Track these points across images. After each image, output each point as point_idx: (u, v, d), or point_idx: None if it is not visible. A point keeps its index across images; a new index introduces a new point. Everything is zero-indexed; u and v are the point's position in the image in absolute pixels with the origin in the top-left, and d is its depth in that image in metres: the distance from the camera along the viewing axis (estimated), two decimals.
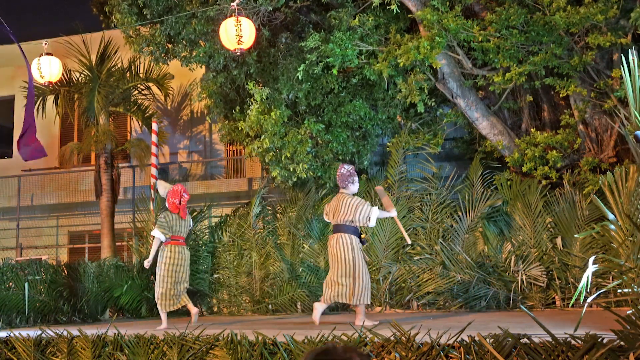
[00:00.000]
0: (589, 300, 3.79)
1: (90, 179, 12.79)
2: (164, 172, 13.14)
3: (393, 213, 6.16)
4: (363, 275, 5.89)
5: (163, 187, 7.47)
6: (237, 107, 9.66)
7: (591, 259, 3.86)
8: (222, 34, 7.32)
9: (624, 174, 3.86)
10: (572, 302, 5.01)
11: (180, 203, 7.19)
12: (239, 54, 7.38)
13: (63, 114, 12.64)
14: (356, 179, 6.17)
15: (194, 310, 7.06)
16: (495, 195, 7.95)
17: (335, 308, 8.59)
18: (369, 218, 5.91)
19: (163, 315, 7.01)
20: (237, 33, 7.12)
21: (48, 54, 8.45)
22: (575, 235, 6.81)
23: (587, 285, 3.49)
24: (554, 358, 3.09)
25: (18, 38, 8.86)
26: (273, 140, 8.42)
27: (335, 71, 8.12)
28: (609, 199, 3.88)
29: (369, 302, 5.97)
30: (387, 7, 7.67)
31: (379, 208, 6.14)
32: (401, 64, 7.51)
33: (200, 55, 9.13)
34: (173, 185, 7.58)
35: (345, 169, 6.18)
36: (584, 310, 3.56)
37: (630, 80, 3.86)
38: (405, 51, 7.38)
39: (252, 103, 8.59)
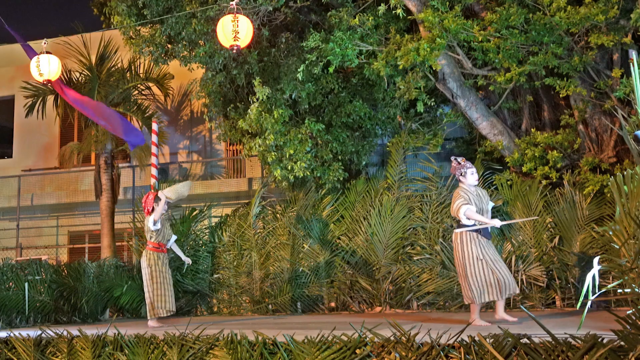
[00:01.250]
0: (589, 300, 3.77)
1: (90, 179, 12.80)
2: (164, 172, 13.14)
3: (493, 223, 5.64)
4: (476, 272, 5.45)
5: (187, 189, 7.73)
6: (232, 105, 9.64)
7: (596, 259, 3.84)
8: (219, 30, 7.26)
9: (630, 176, 3.84)
10: (579, 303, 4.96)
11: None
12: (234, 51, 7.33)
13: (63, 114, 12.65)
14: (468, 170, 5.68)
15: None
16: (496, 195, 7.94)
17: (335, 308, 8.59)
18: (457, 214, 5.56)
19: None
20: (234, 29, 7.03)
21: (47, 52, 8.40)
22: (596, 229, 6.68)
23: (593, 286, 3.47)
24: (554, 358, 3.09)
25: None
26: (276, 137, 8.41)
27: (331, 69, 8.11)
28: (616, 200, 3.85)
29: (486, 300, 5.47)
30: (393, 11, 7.67)
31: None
32: (401, 66, 7.50)
33: (200, 55, 9.13)
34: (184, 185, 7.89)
35: (456, 161, 5.79)
36: (586, 310, 3.56)
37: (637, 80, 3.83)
38: (405, 53, 7.37)
39: (254, 101, 8.58)
